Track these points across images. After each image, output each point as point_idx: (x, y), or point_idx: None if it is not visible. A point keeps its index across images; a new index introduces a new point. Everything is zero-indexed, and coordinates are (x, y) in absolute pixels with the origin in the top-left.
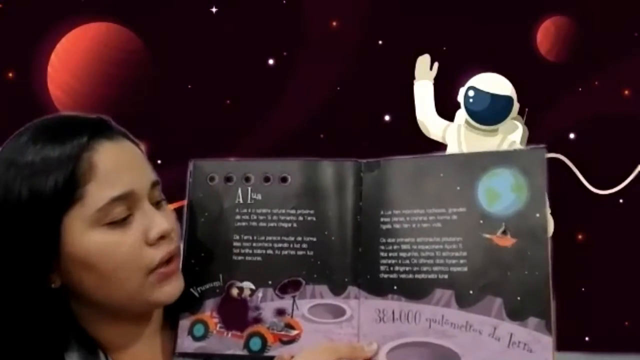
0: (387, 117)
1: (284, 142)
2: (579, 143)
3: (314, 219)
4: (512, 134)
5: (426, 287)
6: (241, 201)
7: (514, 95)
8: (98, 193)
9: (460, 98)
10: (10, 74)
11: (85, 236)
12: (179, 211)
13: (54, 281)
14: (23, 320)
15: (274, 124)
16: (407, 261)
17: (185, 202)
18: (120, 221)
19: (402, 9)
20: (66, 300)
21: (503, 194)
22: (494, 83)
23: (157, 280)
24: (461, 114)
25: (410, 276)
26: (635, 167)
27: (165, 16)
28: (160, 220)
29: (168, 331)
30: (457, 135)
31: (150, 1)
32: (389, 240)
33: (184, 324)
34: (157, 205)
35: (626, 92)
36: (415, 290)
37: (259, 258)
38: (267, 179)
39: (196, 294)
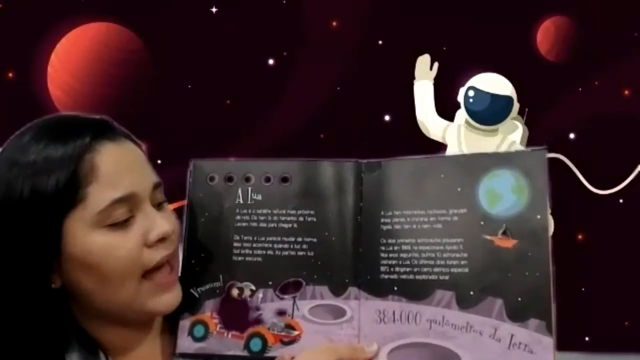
0: (387, 117)
1: (284, 142)
2: (579, 143)
3: (315, 219)
4: (512, 134)
5: (427, 288)
6: (241, 201)
7: (514, 95)
8: (100, 195)
9: (460, 98)
10: (10, 74)
11: (86, 237)
12: (178, 211)
13: (54, 281)
14: (23, 319)
15: (274, 124)
16: (408, 262)
17: (185, 202)
18: (121, 223)
19: (402, 9)
20: (66, 301)
21: (504, 195)
22: (494, 83)
23: (154, 288)
24: (461, 114)
25: (411, 277)
26: (635, 167)
27: (165, 16)
28: (161, 222)
29: (168, 332)
30: (457, 135)
31: (150, 1)
32: (390, 241)
33: (184, 324)
34: (158, 206)
35: (626, 92)
36: (415, 291)
37: (259, 259)
38: (267, 179)
39: (196, 295)
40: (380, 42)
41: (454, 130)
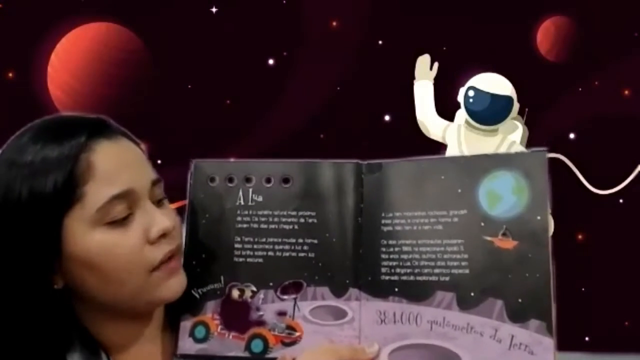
0: (387, 117)
1: (284, 142)
2: (579, 143)
3: (315, 220)
4: (512, 134)
5: (427, 289)
6: (242, 203)
7: (514, 95)
8: (97, 192)
9: (460, 98)
10: (10, 74)
11: (86, 236)
12: (179, 211)
13: (56, 282)
14: (26, 321)
15: (274, 124)
16: (408, 263)
17: (185, 202)
18: (120, 220)
19: (402, 9)
20: (69, 301)
21: (504, 196)
22: (494, 83)
23: (161, 275)
24: (461, 114)
25: (412, 278)
26: (635, 167)
27: (165, 16)
28: (161, 219)
29: (169, 333)
30: (457, 135)
31: (150, 1)
32: (390, 242)
33: (185, 325)
34: (158, 203)
35: (626, 92)
36: (416, 292)
37: (260, 260)
38: (268, 180)
39: (197, 296)
40: (380, 42)
41: (454, 131)
